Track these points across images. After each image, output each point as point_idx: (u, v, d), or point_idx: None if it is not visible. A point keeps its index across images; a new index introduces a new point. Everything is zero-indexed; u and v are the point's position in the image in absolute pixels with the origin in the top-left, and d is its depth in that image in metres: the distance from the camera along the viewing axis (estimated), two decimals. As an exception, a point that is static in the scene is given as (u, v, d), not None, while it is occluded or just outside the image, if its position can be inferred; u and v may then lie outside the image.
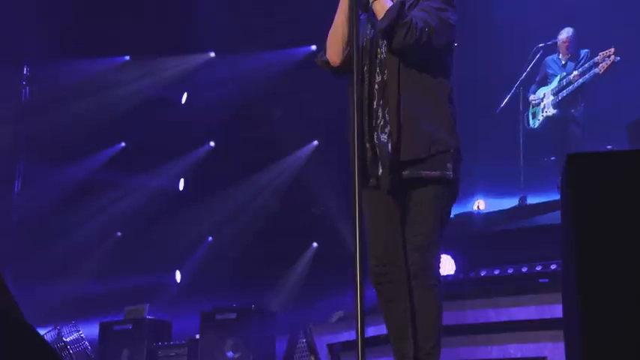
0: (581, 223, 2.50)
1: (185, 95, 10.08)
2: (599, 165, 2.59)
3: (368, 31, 3.46)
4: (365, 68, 3.41)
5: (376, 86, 3.37)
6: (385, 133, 3.31)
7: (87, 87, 9.63)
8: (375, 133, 3.34)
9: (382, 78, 3.37)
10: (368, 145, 3.33)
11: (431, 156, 3.32)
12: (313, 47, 9.16)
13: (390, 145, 3.30)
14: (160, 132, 9.51)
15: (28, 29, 9.65)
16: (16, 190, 9.71)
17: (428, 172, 3.32)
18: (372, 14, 3.45)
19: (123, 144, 10.01)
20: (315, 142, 9.58)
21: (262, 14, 9.55)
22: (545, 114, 8.23)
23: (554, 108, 8.14)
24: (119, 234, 9.87)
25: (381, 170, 3.32)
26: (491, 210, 8.24)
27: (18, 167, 9.77)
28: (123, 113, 9.67)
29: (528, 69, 8.36)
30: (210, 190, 9.55)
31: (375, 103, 3.36)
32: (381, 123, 3.34)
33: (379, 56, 3.41)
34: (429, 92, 3.38)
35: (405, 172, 3.32)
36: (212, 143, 10.00)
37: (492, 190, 8.54)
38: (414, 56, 3.35)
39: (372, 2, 3.37)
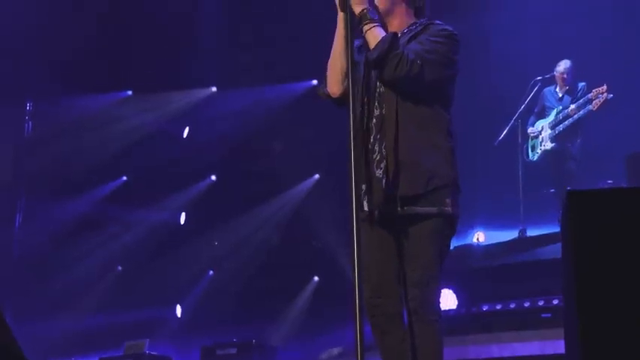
0: (581, 259, 2.52)
1: (187, 129, 10.14)
2: (599, 202, 2.62)
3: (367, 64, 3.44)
4: (365, 100, 3.40)
5: (374, 120, 3.35)
6: (381, 169, 3.30)
7: (89, 122, 9.68)
8: (372, 168, 3.32)
9: (380, 112, 3.35)
10: (364, 179, 3.30)
11: (429, 192, 3.29)
12: (314, 82, 9.23)
13: (384, 181, 3.28)
14: (162, 166, 9.55)
15: (31, 65, 9.73)
16: (16, 224, 9.71)
17: (425, 209, 3.29)
18: (365, 45, 3.43)
19: (124, 178, 10.04)
20: (317, 176, 9.62)
21: (263, 49, 9.63)
22: (543, 147, 8.28)
23: (551, 142, 8.20)
24: (120, 268, 9.85)
25: (373, 205, 3.29)
26: (491, 242, 8.24)
27: (19, 202, 9.78)
28: (124, 147, 9.71)
29: (527, 101, 8.41)
30: (211, 224, 9.56)
31: (372, 137, 3.35)
32: (377, 158, 3.31)
33: (378, 90, 3.39)
34: (428, 126, 3.35)
35: (404, 208, 3.29)
36: (213, 177, 10.04)
37: (492, 222, 8.54)
38: (405, 88, 3.31)
39: (365, 32, 3.34)
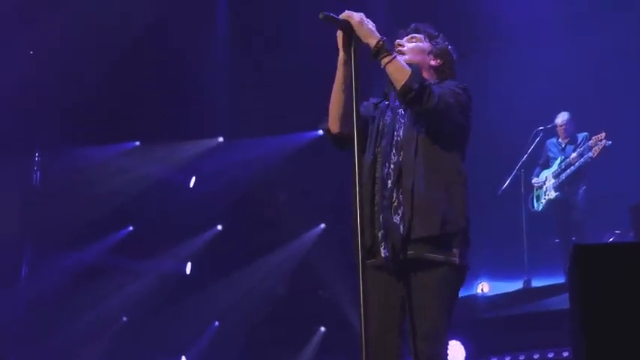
0: (589, 313, 2.57)
1: (193, 179, 10.21)
2: (605, 256, 2.68)
3: (388, 117, 3.48)
4: (378, 149, 3.44)
5: (392, 166, 3.38)
6: (398, 215, 3.30)
7: (97, 172, 9.74)
8: (387, 214, 3.32)
9: (398, 159, 3.38)
10: (376, 224, 3.31)
11: (438, 237, 3.29)
12: (319, 132, 9.31)
13: (402, 226, 3.28)
14: (168, 216, 9.59)
15: (39, 115, 9.81)
16: (22, 275, 9.71)
17: (433, 255, 3.28)
18: (392, 99, 3.48)
19: (131, 228, 10.07)
20: (322, 226, 9.65)
21: (269, 100, 9.75)
22: (547, 197, 8.31)
23: (555, 191, 8.23)
24: (125, 319, 9.82)
25: (388, 252, 3.28)
26: (496, 293, 8.22)
27: (25, 252, 9.79)
28: (131, 197, 9.77)
29: (529, 151, 8.47)
30: (216, 274, 9.56)
31: (390, 182, 3.36)
32: (395, 204, 3.33)
33: (395, 138, 3.42)
34: (444, 176, 3.37)
35: (411, 252, 3.29)
36: (219, 227, 10.08)
37: (496, 272, 8.53)
38: (431, 124, 3.35)
39: (386, 64, 3.30)
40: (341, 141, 3.51)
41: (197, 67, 9.97)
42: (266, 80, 9.76)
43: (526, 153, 8.49)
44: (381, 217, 3.33)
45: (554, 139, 8.46)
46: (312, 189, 9.26)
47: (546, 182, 8.36)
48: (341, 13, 3.31)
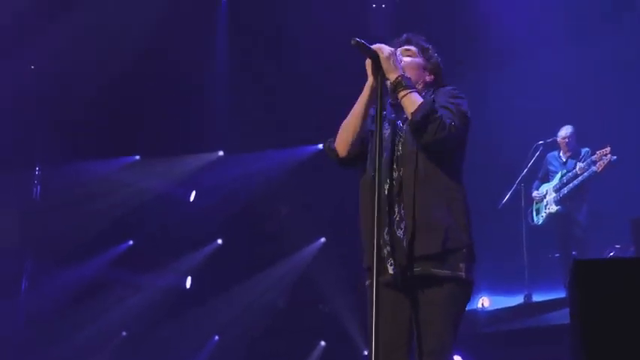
0: (589, 329, 2.57)
1: (194, 193, 10.22)
2: (605, 271, 2.68)
3: (386, 129, 3.49)
4: (379, 164, 3.39)
5: (393, 182, 3.40)
6: (401, 229, 3.32)
7: (97, 186, 9.76)
8: (391, 229, 3.33)
9: (399, 174, 3.40)
10: (382, 241, 3.30)
11: (443, 253, 3.30)
12: (320, 146, 9.34)
13: (405, 240, 3.30)
14: (169, 230, 9.60)
15: (40, 129, 9.84)
16: (22, 288, 9.70)
17: (439, 271, 3.29)
18: (389, 111, 3.51)
19: (131, 242, 10.07)
20: (323, 239, 9.65)
21: (270, 114, 9.78)
22: (548, 211, 8.29)
23: (556, 205, 8.21)
24: (124, 333, 9.81)
25: (394, 267, 3.30)
26: (496, 307, 8.19)
27: (26, 266, 9.79)
28: (131, 211, 9.77)
29: (529, 165, 8.46)
30: (217, 288, 9.56)
31: (391, 198, 3.37)
32: (397, 218, 3.34)
33: (396, 153, 3.44)
34: (444, 191, 3.39)
35: (417, 269, 3.30)
36: (220, 241, 10.08)
37: (496, 287, 8.50)
38: (437, 150, 3.38)
39: (402, 97, 3.40)
40: (345, 161, 3.55)
41: (197, 81, 10.01)
42: (266, 94, 9.79)
43: (526, 167, 8.48)
44: (385, 232, 3.34)
45: (555, 153, 8.45)
46: (312, 203, 9.27)
47: (547, 196, 8.34)
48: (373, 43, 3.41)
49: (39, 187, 9.97)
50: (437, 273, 3.30)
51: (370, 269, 3.15)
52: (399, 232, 3.32)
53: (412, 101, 3.37)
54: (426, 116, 3.30)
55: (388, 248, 3.32)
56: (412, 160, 3.39)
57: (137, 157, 10.23)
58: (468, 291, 3.40)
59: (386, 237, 3.33)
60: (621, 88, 8.84)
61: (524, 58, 9.22)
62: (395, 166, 3.43)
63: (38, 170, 10.17)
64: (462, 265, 3.33)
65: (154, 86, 9.79)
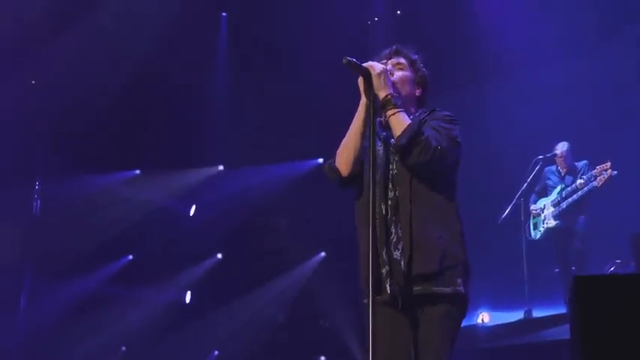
0: (589, 345, 2.57)
1: (193, 208, 10.22)
2: (605, 287, 2.68)
3: (379, 147, 3.50)
4: (374, 183, 3.37)
5: (389, 202, 3.40)
6: (398, 250, 3.33)
7: (96, 201, 9.77)
8: (388, 250, 3.33)
9: (394, 194, 3.41)
10: (381, 260, 3.31)
11: (442, 271, 3.31)
12: (319, 160, 9.35)
13: (403, 262, 3.30)
14: (168, 244, 9.59)
15: (40, 144, 9.86)
16: (22, 303, 9.68)
17: (439, 289, 3.30)
18: (380, 129, 3.50)
19: (130, 257, 10.06)
20: (323, 254, 9.64)
21: (269, 129, 9.80)
22: (546, 225, 8.27)
23: (554, 219, 8.20)
24: (124, 349, 9.78)
25: (393, 288, 3.30)
26: (496, 323, 8.16)
27: (25, 280, 9.77)
28: (131, 226, 9.77)
29: (529, 179, 8.45)
30: (216, 302, 9.54)
31: (387, 218, 3.38)
32: (394, 239, 3.35)
33: (391, 172, 3.45)
34: (440, 209, 3.41)
35: (417, 288, 3.31)
36: (219, 255, 10.07)
37: (496, 302, 8.47)
38: (424, 173, 3.39)
39: (389, 116, 3.40)
40: (347, 181, 3.55)
41: (197, 95, 10.03)
42: (266, 109, 9.81)
43: (526, 181, 8.46)
44: (384, 252, 3.35)
45: (552, 167, 8.45)
46: (312, 217, 9.27)
47: (545, 210, 8.33)
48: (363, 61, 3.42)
49: (39, 201, 9.98)
50: (437, 291, 3.31)
51: (366, 291, 3.15)
52: (397, 254, 3.33)
53: (399, 121, 3.38)
54: (411, 138, 3.32)
55: (387, 267, 3.33)
56: (406, 180, 3.40)
57: (137, 172, 10.23)
58: (464, 306, 3.40)
59: (384, 257, 3.33)
60: (621, 100, 8.85)
61: (524, 71, 9.24)
62: (390, 186, 3.43)
63: (38, 185, 10.17)
64: (459, 281, 3.34)
65: (154, 101, 9.82)
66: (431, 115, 3.54)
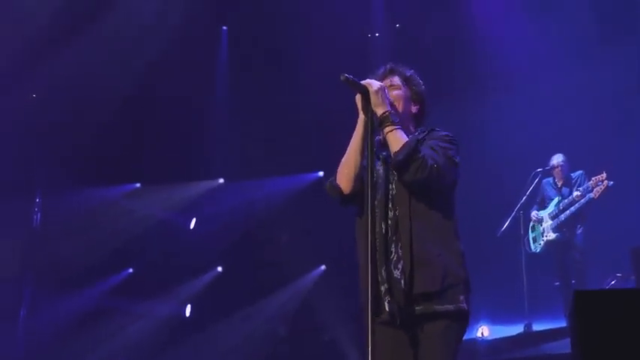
0: (590, 359, 2.57)
1: (194, 221, 10.22)
2: (606, 302, 2.69)
3: (379, 167, 3.51)
4: (376, 202, 3.42)
5: (389, 222, 3.41)
6: (398, 269, 3.33)
7: (97, 214, 9.77)
8: (388, 268, 3.33)
9: (394, 214, 3.41)
10: (380, 279, 3.31)
11: (444, 290, 3.32)
12: (320, 173, 9.36)
13: (403, 281, 3.30)
14: (168, 257, 9.59)
15: (40, 158, 9.87)
16: (22, 316, 9.67)
17: (442, 307, 3.31)
18: (379, 148, 3.50)
19: (130, 270, 10.06)
20: (323, 267, 9.63)
21: (270, 142, 9.81)
22: (545, 238, 8.27)
23: (554, 232, 8.20)
24: (124, 361, 9.76)
25: (394, 306, 3.29)
26: (496, 337, 8.13)
27: (25, 294, 9.76)
28: (131, 239, 9.77)
29: (528, 192, 8.45)
30: (217, 316, 9.52)
31: (388, 237, 3.38)
32: (394, 258, 3.35)
33: (391, 192, 3.45)
34: (439, 227, 3.42)
35: (419, 308, 3.31)
36: (220, 268, 10.06)
37: (496, 316, 8.45)
38: (422, 191, 3.40)
39: (387, 133, 3.41)
40: (348, 198, 3.54)
41: (198, 109, 10.06)
42: (266, 122, 9.83)
43: (525, 194, 8.47)
44: (383, 270, 3.35)
45: (550, 180, 8.46)
46: (312, 230, 9.27)
47: (543, 223, 8.33)
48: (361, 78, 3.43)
49: (39, 214, 9.98)
50: (439, 309, 3.31)
51: (365, 310, 3.14)
52: (397, 273, 3.33)
53: (396, 138, 3.39)
54: (408, 155, 3.33)
55: (385, 285, 3.32)
56: (406, 200, 3.41)
57: (138, 185, 10.24)
58: (465, 322, 3.41)
59: (383, 274, 3.33)
60: (619, 113, 8.87)
61: (523, 83, 9.27)
62: (390, 205, 3.44)
63: (39, 198, 10.18)
64: (461, 298, 3.35)
65: (155, 114, 9.84)
66: (429, 135, 3.56)
